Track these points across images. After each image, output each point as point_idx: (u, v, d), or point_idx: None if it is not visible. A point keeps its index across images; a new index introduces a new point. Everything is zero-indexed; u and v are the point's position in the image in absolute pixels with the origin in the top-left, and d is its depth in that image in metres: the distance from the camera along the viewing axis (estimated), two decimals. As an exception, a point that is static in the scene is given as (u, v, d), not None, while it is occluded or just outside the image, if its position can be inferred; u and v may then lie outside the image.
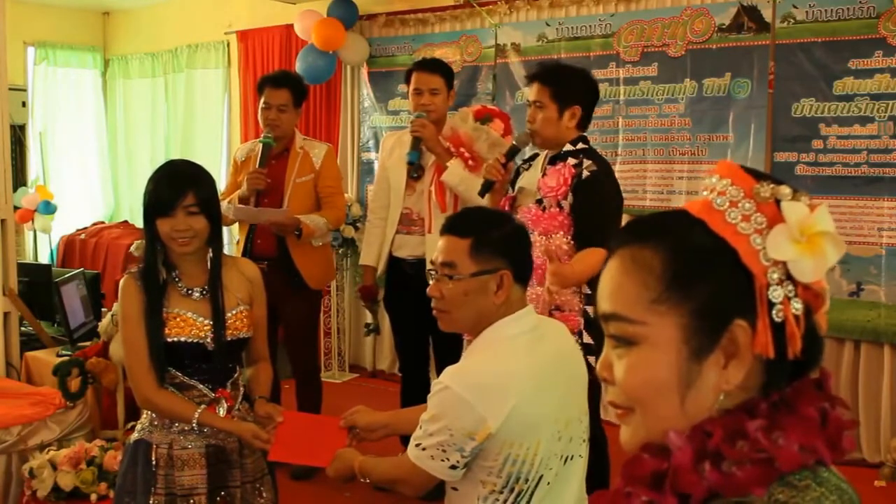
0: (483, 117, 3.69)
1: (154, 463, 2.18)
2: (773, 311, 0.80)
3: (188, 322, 2.19)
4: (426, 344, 3.86)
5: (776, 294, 0.80)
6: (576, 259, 2.76)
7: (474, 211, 2.02)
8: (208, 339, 2.19)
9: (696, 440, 0.80)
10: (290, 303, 3.82)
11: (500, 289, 1.75)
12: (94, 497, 3.00)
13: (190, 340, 2.19)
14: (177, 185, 2.14)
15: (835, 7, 4.07)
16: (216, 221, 2.21)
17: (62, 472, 3.00)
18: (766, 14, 4.25)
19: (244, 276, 2.31)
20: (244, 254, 3.81)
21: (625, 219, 4.63)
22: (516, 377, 1.69)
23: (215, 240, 2.23)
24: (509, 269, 1.75)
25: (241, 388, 2.32)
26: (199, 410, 2.18)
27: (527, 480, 1.69)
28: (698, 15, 4.45)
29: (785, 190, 0.82)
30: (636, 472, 0.83)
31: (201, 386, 2.22)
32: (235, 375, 2.30)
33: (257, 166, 3.77)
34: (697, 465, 0.79)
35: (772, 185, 0.83)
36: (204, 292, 2.22)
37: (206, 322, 2.20)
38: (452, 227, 1.82)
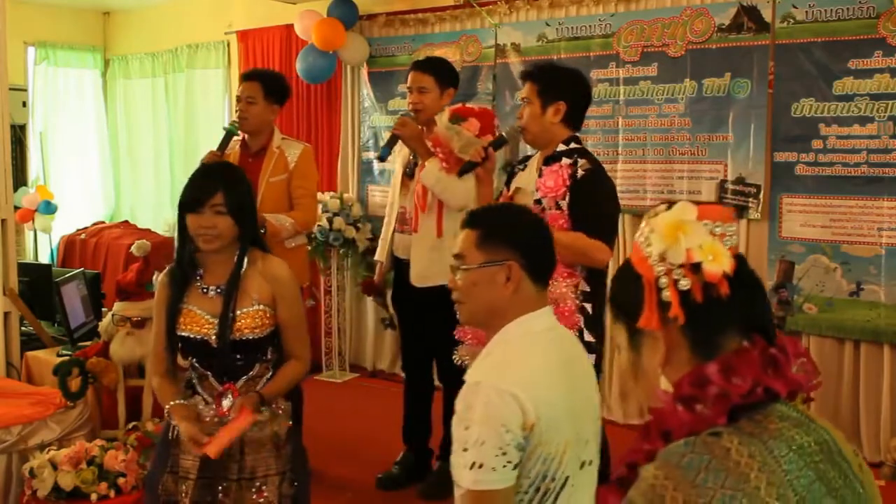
0: (455, 117, 3.60)
1: (171, 440, 2.32)
2: (663, 294, 1.06)
3: (196, 319, 2.27)
4: (427, 344, 3.85)
5: (663, 281, 1.06)
6: (567, 232, 2.75)
7: (495, 206, 1.97)
8: (212, 337, 2.25)
9: (674, 394, 1.07)
10: None
11: (510, 280, 1.70)
12: (94, 497, 3.00)
13: (194, 336, 2.26)
14: (208, 183, 2.23)
15: (835, 7, 4.07)
16: (246, 224, 2.25)
17: (62, 472, 3.01)
18: (766, 14, 4.25)
19: (268, 276, 2.31)
20: None
21: (627, 218, 4.64)
22: (548, 372, 1.66)
23: (245, 241, 2.27)
24: (518, 261, 1.71)
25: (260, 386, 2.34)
26: (171, 402, 2.27)
27: (553, 479, 1.63)
28: (698, 15, 4.45)
29: (657, 209, 1.11)
30: (645, 428, 1.12)
31: (212, 378, 2.31)
32: (252, 373, 2.32)
33: (216, 149, 3.73)
34: (675, 408, 1.05)
35: (653, 210, 1.11)
36: (219, 290, 2.27)
37: (214, 320, 2.25)
38: (468, 220, 1.80)
